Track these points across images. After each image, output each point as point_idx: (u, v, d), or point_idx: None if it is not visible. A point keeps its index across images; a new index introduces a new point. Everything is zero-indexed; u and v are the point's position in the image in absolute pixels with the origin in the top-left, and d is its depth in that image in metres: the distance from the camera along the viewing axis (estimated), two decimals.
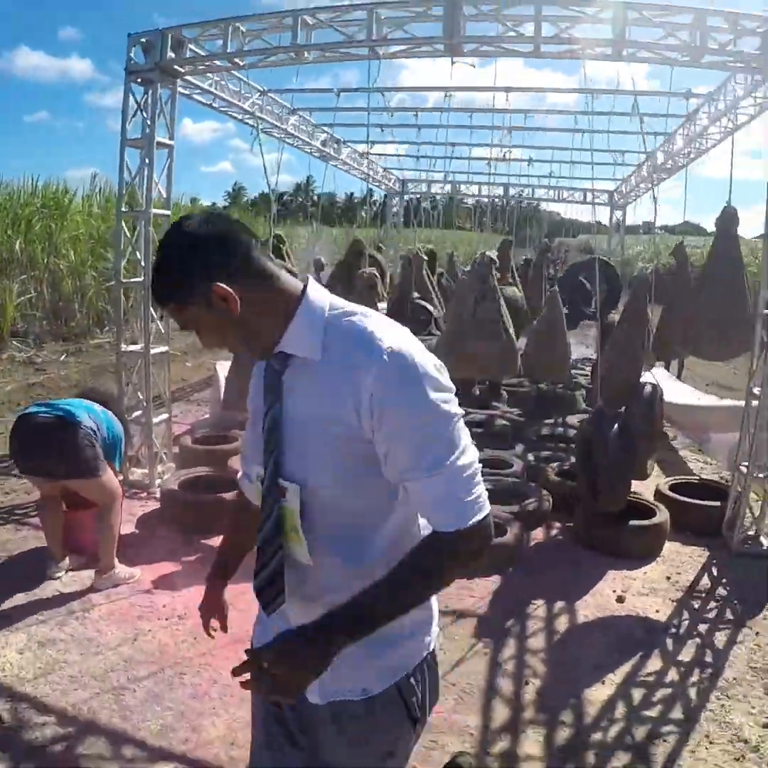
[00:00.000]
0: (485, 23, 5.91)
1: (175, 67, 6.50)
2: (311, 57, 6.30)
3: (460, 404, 1.65)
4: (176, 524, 5.86)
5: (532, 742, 3.55)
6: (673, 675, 4.18)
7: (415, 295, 9.29)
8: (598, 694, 3.97)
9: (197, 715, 3.63)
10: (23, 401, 10.23)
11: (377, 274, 7.97)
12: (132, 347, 6.83)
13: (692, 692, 4.01)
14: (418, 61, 5.82)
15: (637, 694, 3.98)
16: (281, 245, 8.07)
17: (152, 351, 6.75)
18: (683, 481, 6.99)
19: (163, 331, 6.97)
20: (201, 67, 6.86)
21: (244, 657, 1.67)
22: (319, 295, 1.73)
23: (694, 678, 4.15)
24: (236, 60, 6.48)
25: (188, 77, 6.92)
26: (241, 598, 2.75)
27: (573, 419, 9.06)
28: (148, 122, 6.52)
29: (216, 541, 5.21)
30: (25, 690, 3.77)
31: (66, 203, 17.61)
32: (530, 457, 7.69)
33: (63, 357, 13.87)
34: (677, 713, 3.82)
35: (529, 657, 4.34)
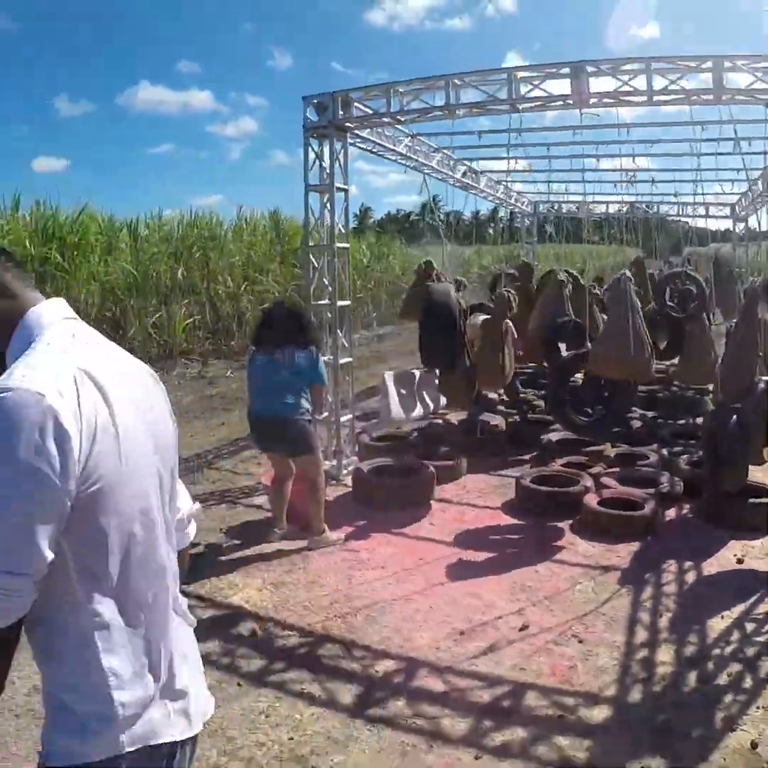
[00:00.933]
0: (605, 78, 6.92)
1: (347, 123, 7.80)
2: (461, 113, 7.49)
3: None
4: (368, 501, 7.17)
5: (664, 653, 4.55)
6: None
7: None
8: (718, 624, 4.91)
9: (408, 630, 4.81)
10: (206, 411, 11.81)
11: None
12: (323, 359, 8.13)
13: None
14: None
15: (750, 626, 4.89)
16: (431, 271, 9.19)
17: (339, 361, 8.05)
18: None
19: (346, 345, 8.26)
20: (366, 124, 8.12)
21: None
22: (35, 321, 1.62)
23: None
24: (398, 117, 7.74)
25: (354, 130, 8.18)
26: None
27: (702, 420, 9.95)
28: (327, 171, 7.83)
29: (393, 512, 6.74)
30: (268, 614, 5.04)
31: (221, 233, 19.16)
32: (664, 451, 8.60)
33: (229, 373, 15.42)
34: None
35: (663, 598, 5.32)
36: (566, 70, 6.83)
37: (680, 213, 17.35)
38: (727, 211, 16.77)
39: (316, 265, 8.12)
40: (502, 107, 7.34)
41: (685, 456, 8.07)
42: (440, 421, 10.08)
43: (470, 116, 7.79)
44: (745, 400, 6.50)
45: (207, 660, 4.21)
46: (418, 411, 9.44)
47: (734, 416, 6.46)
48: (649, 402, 10.95)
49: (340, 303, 8.08)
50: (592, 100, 7.01)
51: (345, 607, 5.13)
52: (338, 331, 8.06)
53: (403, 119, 7.87)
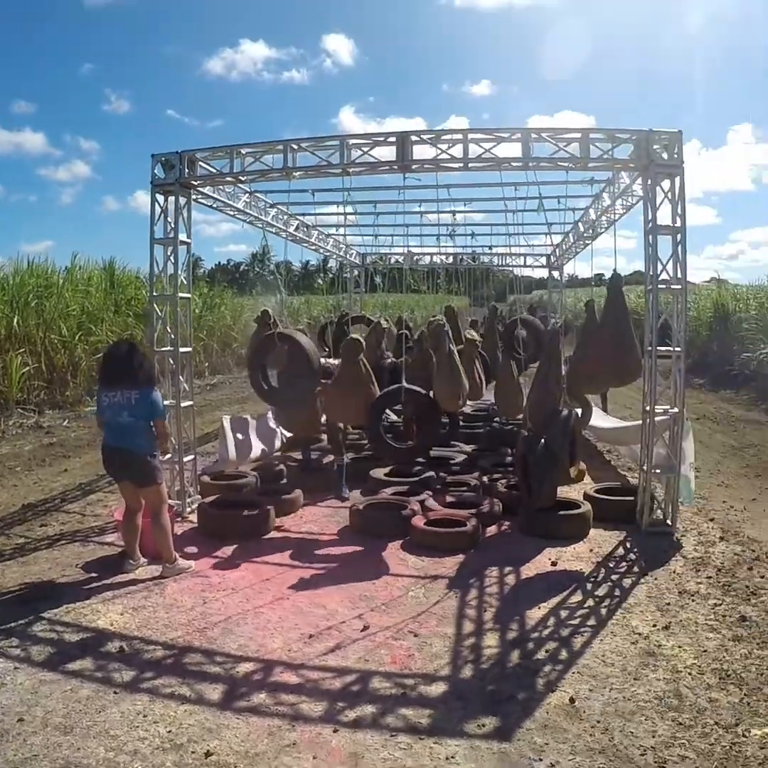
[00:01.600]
0: (426, 146, 7.84)
1: (192, 181, 8.40)
2: (298, 175, 8.27)
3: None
4: (213, 534, 7.63)
5: (490, 639, 5.32)
6: (590, 602, 5.96)
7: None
8: (535, 614, 5.74)
9: (261, 637, 5.35)
10: (48, 458, 11.96)
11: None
12: (166, 402, 8.53)
13: (603, 611, 5.79)
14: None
15: (563, 613, 5.76)
16: (268, 319, 9.78)
17: (182, 405, 8.50)
18: (607, 487, 8.85)
19: (188, 389, 8.72)
20: (210, 182, 8.76)
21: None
22: None
23: (605, 604, 5.93)
24: (240, 177, 8.45)
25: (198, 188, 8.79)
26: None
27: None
28: (172, 225, 8.36)
29: (237, 542, 7.35)
30: (133, 634, 5.42)
31: (56, 282, 19.09)
32: (484, 478, 9.57)
33: (65, 422, 15.51)
34: (591, 622, 5.59)
35: (487, 597, 6.11)
36: (392, 139, 7.73)
37: (501, 264, 18.87)
38: (543, 260, 18.38)
39: (160, 314, 8.58)
40: (335, 171, 8.14)
41: (503, 481, 9.00)
42: (277, 461, 10.58)
43: (306, 178, 8.58)
44: (551, 427, 7.44)
45: (81, 675, 4.76)
46: (255, 452, 10.08)
47: (542, 441, 7.39)
48: (471, 436, 12.00)
49: (182, 349, 8.52)
50: (414, 166, 7.92)
51: (203, 623, 5.60)
52: (180, 376, 8.49)
53: (244, 179, 8.60)
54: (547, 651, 5.10)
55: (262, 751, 3.96)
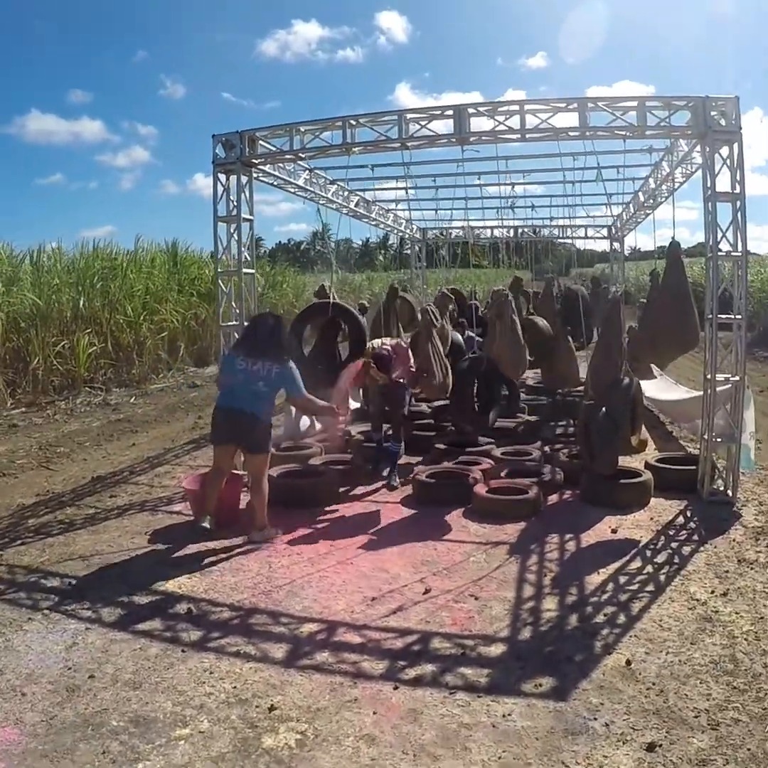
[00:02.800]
0: (483, 119, 7.88)
1: (253, 160, 8.57)
2: (357, 150, 8.38)
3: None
4: (281, 502, 7.66)
5: (549, 603, 5.42)
6: (649, 569, 5.99)
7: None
8: (595, 579, 5.81)
9: (325, 600, 5.52)
10: (114, 433, 12.31)
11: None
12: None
13: (662, 578, 5.82)
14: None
15: (623, 579, 5.81)
16: (326, 294, 9.97)
17: None
18: (669, 456, 8.86)
19: None
20: (271, 160, 8.92)
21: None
22: None
23: (664, 570, 5.96)
24: (300, 154, 8.59)
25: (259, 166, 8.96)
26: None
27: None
28: (234, 203, 8.56)
29: (303, 510, 7.56)
30: (200, 596, 5.64)
31: (120, 264, 19.52)
32: (546, 448, 9.63)
33: (132, 399, 15.92)
34: (650, 588, 5.64)
35: (546, 562, 6.20)
36: (449, 112, 7.79)
37: (562, 235, 18.68)
38: (604, 232, 18.22)
39: (225, 290, 8.81)
40: (393, 145, 8.23)
41: (564, 450, 9.05)
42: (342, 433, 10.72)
43: (365, 153, 8.72)
44: (612, 396, 7.46)
45: (150, 634, 4.98)
46: (318, 426, 10.33)
47: (603, 409, 7.42)
48: (533, 408, 12.10)
49: (246, 324, 8.64)
50: (472, 139, 7.97)
51: (268, 586, 5.79)
52: None
53: (303, 156, 8.74)
54: (605, 615, 5.17)
55: (324, 706, 4.11)
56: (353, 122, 8.10)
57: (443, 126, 8.00)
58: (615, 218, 16.72)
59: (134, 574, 6.08)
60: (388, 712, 4.04)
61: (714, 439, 7.66)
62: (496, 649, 4.73)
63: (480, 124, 7.87)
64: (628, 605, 5.33)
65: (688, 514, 7.35)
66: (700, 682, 4.25)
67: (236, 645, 4.84)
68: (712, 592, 5.50)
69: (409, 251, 19.36)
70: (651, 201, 12.78)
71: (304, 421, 10.38)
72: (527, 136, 7.81)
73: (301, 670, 4.52)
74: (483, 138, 8.05)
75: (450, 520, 7.30)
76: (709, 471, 7.73)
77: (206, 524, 6.70)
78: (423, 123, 7.99)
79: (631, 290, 8.85)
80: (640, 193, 13.08)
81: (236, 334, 8.50)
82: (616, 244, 18.23)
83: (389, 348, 7.91)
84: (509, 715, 3.99)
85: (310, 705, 4.12)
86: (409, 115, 7.96)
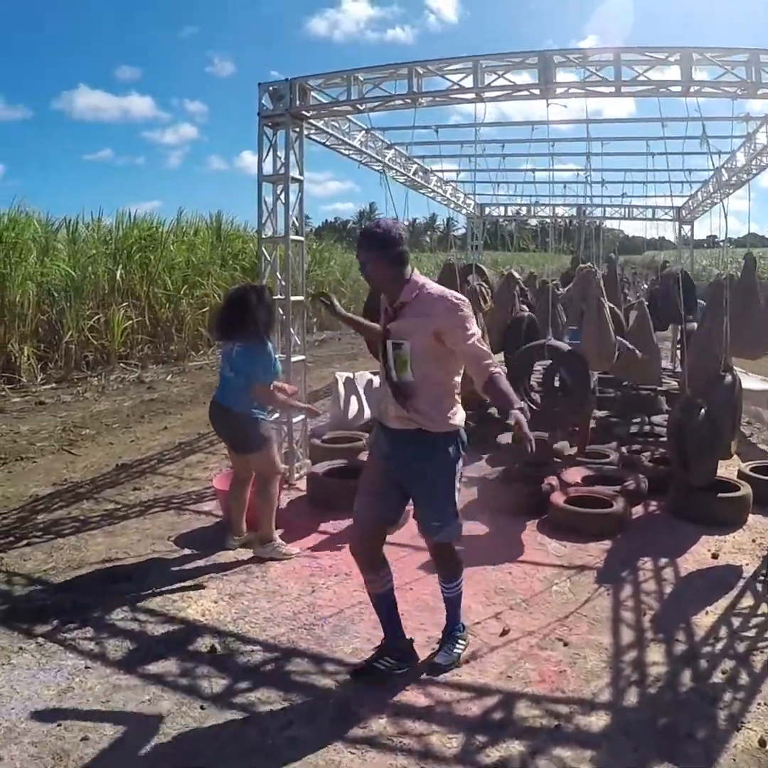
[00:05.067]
0: (572, 69, 6.86)
1: (303, 112, 7.54)
2: (424, 102, 7.29)
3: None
4: (325, 504, 6.79)
5: (654, 653, 4.38)
6: (764, 608, 4.94)
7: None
8: (703, 621, 4.76)
9: (380, 640, 4.35)
10: (148, 415, 11.48)
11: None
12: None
13: None
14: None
15: (736, 621, 4.77)
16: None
17: (292, 359, 7.70)
18: (761, 465, 7.71)
19: (299, 342, 7.93)
20: (325, 112, 7.88)
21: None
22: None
23: None
24: (358, 106, 7.51)
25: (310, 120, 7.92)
26: None
27: (657, 418, 9.98)
28: (282, 160, 7.53)
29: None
30: (228, 629, 4.62)
31: (161, 235, 18.71)
32: (623, 449, 8.50)
33: (168, 377, 15.11)
34: None
35: (644, 596, 5.16)
36: (534, 59, 6.70)
37: (626, 216, 17.37)
38: (672, 213, 16.82)
39: (269, 259, 7.83)
40: (467, 96, 7.17)
41: (646, 453, 7.99)
42: None
43: (434, 105, 7.60)
44: (713, 393, 6.44)
45: (163, 681, 3.95)
46: (367, 414, 9.23)
47: (703, 410, 6.39)
48: (602, 401, 10.85)
49: (293, 298, 7.74)
50: (558, 91, 6.87)
51: (310, 617, 4.80)
52: (291, 328, 7.74)
53: (362, 108, 7.60)
54: (723, 672, 4.14)
55: None
56: (421, 69, 7.04)
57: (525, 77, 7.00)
58: (688, 198, 15.41)
59: (151, 592, 5.13)
60: None
61: None
62: (598, 720, 3.70)
63: (567, 76, 6.87)
64: (748, 659, 4.30)
65: None
66: None
67: (269, 702, 3.84)
68: None
69: (457, 232, 18.22)
70: (733, 178, 11.54)
71: (353, 408, 9.36)
72: (622, 89, 6.72)
73: (353, 743, 3.51)
74: (571, 91, 6.95)
75: (524, 536, 6.31)
76: None
77: (235, 542, 5.88)
78: (500, 72, 6.93)
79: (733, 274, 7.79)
80: (723, 170, 11.75)
81: (281, 310, 7.60)
82: (686, 228, 16.95)
83: None
84: None
85: None
86: (485, 62, 6.87)
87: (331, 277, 25.68)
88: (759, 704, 3.82)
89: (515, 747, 3.47)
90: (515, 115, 14.14)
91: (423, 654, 4.30)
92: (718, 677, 4.10)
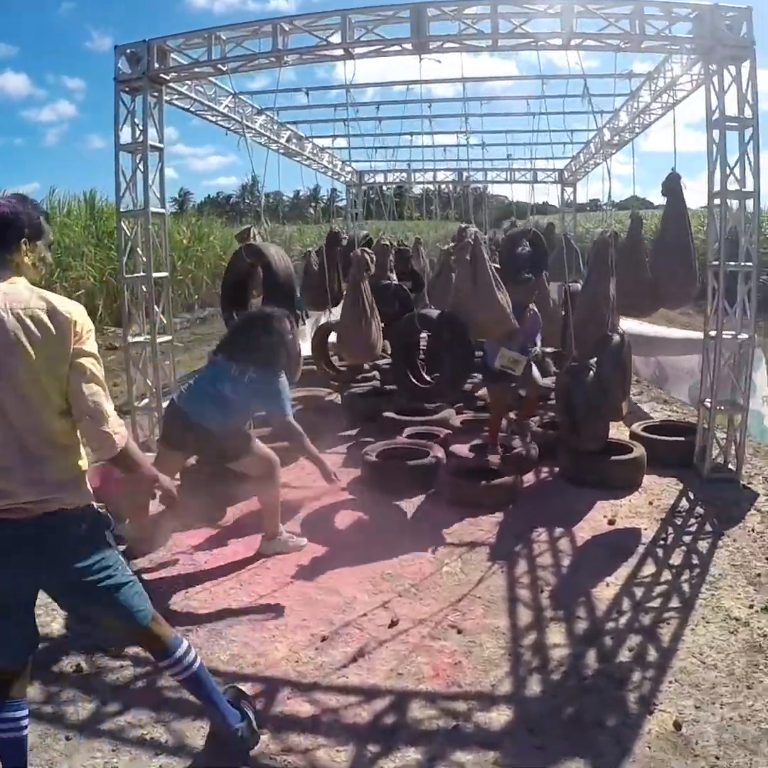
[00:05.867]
0: (447, 22, 6.53)
1: (162, 75, 7.04)
2: (290, 60, 6.86)
3: None
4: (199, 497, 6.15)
5: (555, 634, 4.16)
6: (666, 575, 4.84)
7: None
8: (605, 593, 4.59)
9: (260, 643, 4.09)
10: None
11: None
12: (137, 338, 7.28)
13: (685, 587, 4.68)
14: (378, 62, 6.34)
15: (638, 591, 4.62)
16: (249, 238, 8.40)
17: (158, 340, 7.23)
18: (652, 424, 7.70)
19: (165, 322, 7.45)
20: (185, 75, 7.37)
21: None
22: None
23: (685, 576, 4.82)
24: (220, 66, 7.02)
25: (171, 84, 7.41)
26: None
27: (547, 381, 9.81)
28: (140, 128, 7.02)
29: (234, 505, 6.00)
30: (96, 642, 4.07)
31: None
32: (511, 415, 8.23)
33: None
34: (675, 603, 4.46)
35: (540, 571, 4.96)
36: (406, 12, 6.39)
37: (508, 179, 17.10)
38: (555, 176, 16.67)
39: (129, 234, 7.32)
40: (336, 53, 6.78)
41: (534, 418, 7.81)
42: None
43: (301, 64, 7.17)
44: (601, 355, 6.27)
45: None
46: None
47: (591, 371, 6.23)
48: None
49: (156, 274, 7.29)
50: (432, 44, 6.56)
51: (185, 621, 4.33)
52: (155, 306, 7.26)
53: (225, 68, 7.10)
54: (630, 649, 3.97)
55: None
56: (286, 26, 6.63)
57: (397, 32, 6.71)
58: (570, 160, 15.28)
59: None
60: None
61: (719, 407, 6.57)
62: (500, 716, 3.44)
63: (443, 28, 6.57)
64: (655, 632, 4.15)
65: (691, 496, 6.27)
66: None
67: (141, 726, 3.40)
68: (751, 606, 4.40)
69: (340, 203, 17.69)
70: (617, 139, 11.43)
71: None
72: (500, 42, 6.48)
73: None
74: (446, 45, 6.65)
75: (411, 514, 6.01)
76: (711, 444, 6.67)
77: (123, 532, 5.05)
78: (371, 27, 6.57)
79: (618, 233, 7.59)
80: (606, 129, 11.62)
81: (144, 286, 7.13)
82: (569, 191, 16.86)
83: None
84: None
85: None
86: (354, 17, 6.52)
87: (212, 252, 24.85)
88: (670, 682, 3.66)
89: (411, 755, 3.18)
90: (393, 77, 13.67)
91: (307, 654, 3.97)
92: (624, 655, 3.93)
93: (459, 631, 4.18)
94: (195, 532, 5.64)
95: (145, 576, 4.89)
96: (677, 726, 3.29)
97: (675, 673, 3.72)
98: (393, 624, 4.26)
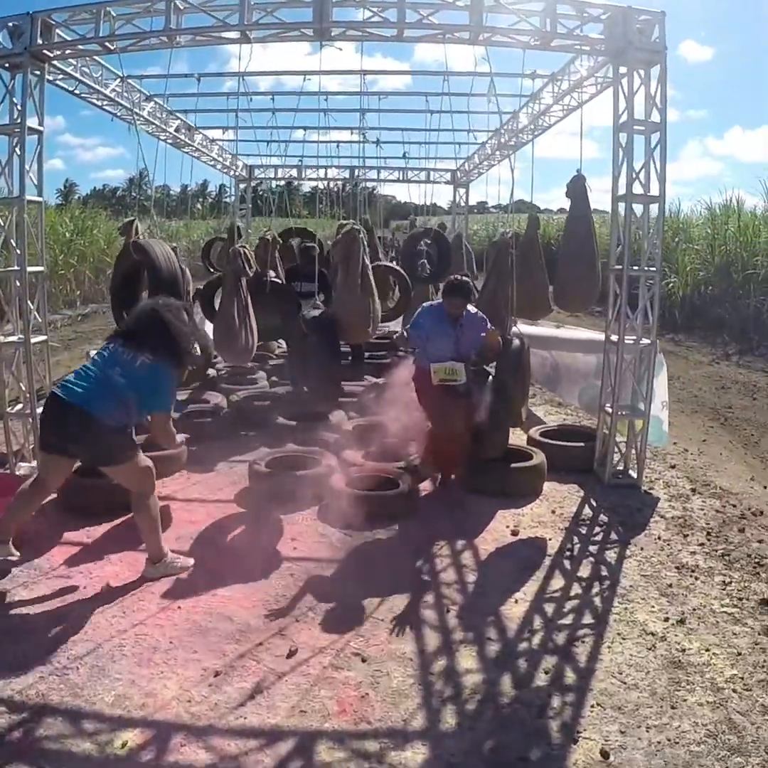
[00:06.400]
0: (352, 9, 6.36)
1: (46, 51, 6.49)
2: (183, 40, 6.47)
3: None
4: (76, 507, 5.69)
5: (466, 658, 3.92)
6: (576, 589, 4.70)
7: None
8: (514, 611, 4.40)
9: (147, 680, 3.66)
10: None
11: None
12: (10, 338, 6.72)
13: (597, 601, 4.54)
14: (277, 50, 6.18)
15: (549, 608, 4.44)
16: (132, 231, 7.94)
17: (32, 340, 6.65)
18: (549, 429, 7.59)
19: (41, 320, 6.88)
20: (70, 52, 6.85)
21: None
22: None
23: (596, 589, 4.69)
24: (108, 44, 6.53)
25: (55, 62, 6.88)
26: None
27: None
28: (19, 108, 6.44)
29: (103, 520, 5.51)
30: None
31: None
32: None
33: None
34: (588, 619, 4.32)
35: (444, 588, 4.71)
36: None
37: (401, 178, 16.91)
38: (448, 176, 16.60)
39: (2, 224, 6.69)
40: (232, 35, 6.41)
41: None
42: None
43: (194, 45, 6.74)
44: (500, 360, 6.11)
45: None
46: None
47: (490, 377, 6.08)
48: (379, 368, 10.21)
49: (31, 269, 6.68)
50: (334, 31, 6.29)
51: (64, 657, 3.83)
52: (29, 303, 6.63)
53: (112, 47, 6.62)
54: (546, 672, 3.78)
55: None
56: (181, 4, 6.22)
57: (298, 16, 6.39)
58: (464, 161, 15.19)
59: None
60: None
61: (620, 412, 6.56)
62: (415, 755, 3.16)
63: (347, 14, 6.45)
64: (570, 651, 3.98)
65: (593, 503, 6.20)
66: None
67: None
68: (666, 619, 4.33)
69: (229, 199, 17.18)
70: (514, 140, 11.36)
71: None
72: (405, 32, 6.24)
73: None
74: (349, 32, 6.38)
75: (303, 528, 5.62)
76: (612, 449, 6.68)
77: (12, 559, 4.75)
78: (271, 10, 6.24)
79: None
80: (503, 131, 11.47)
81: (18, 282, 6.57)
82: (461, 192, 16.81)
83: None
84: None
85: None
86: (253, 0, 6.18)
87: (95, 246, 23.89)
88: (592, 706, 3.49)
89: None
90: (288, 68, 13.35)
91: (200, 692, 3.57)
92: (541, 679, 3.74)
93: (363, 660, 3.88)
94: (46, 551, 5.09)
95: (19, 596, 4.45)
96: (604, 754, 3.13)
97: (596, 696, 3.55)
98: (291, 654, 3.92)
